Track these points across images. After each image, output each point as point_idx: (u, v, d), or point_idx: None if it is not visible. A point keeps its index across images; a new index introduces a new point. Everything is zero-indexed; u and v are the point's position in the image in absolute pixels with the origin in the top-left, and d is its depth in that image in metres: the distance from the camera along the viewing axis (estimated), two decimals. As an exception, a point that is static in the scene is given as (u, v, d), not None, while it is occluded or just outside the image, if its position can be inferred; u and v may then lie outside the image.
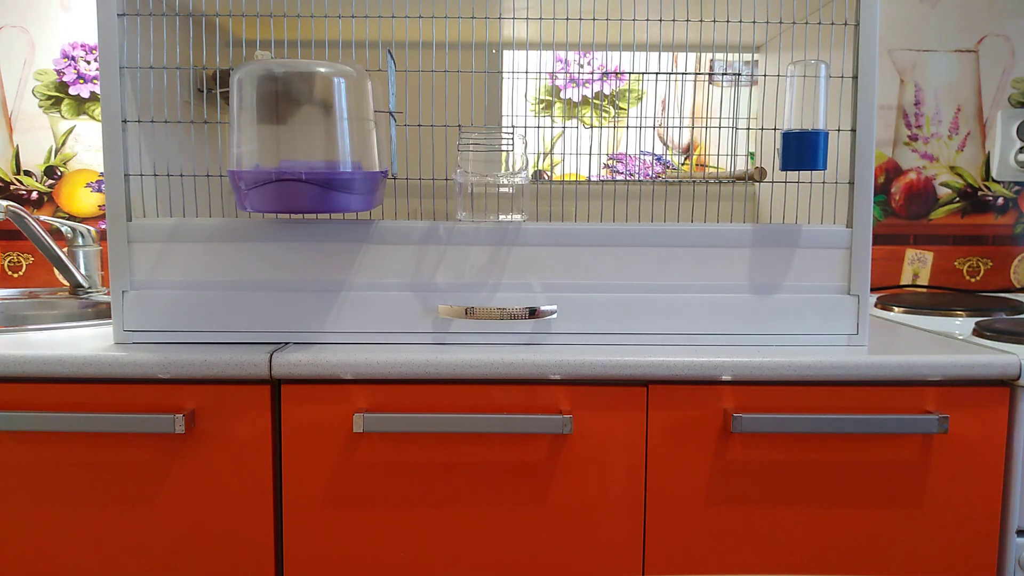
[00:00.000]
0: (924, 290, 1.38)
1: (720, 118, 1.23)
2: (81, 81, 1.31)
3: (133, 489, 0.81)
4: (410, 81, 0.99)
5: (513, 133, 0.87)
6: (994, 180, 1.37)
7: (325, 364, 0.78)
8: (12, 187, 1.33)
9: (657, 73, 0.90)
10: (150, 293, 0.84)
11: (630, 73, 1.31)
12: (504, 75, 1.14)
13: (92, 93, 1.31)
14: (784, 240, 0.85)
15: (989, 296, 1.28)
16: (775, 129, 0.94)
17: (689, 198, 1.11)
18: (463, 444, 0.81)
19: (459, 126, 0.88)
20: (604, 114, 1.34)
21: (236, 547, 0.82)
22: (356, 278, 0.85)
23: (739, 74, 1.22)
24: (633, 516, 0.82)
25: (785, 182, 0.98)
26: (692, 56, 1.26)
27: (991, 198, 1.38)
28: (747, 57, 1.21)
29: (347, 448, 0.80)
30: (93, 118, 1.32)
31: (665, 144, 1.35)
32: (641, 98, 1.34)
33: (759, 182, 1.12)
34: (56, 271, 1.23)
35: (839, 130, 0.87)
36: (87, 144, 1.32)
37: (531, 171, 0.92)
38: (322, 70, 0.77)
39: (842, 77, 0.86)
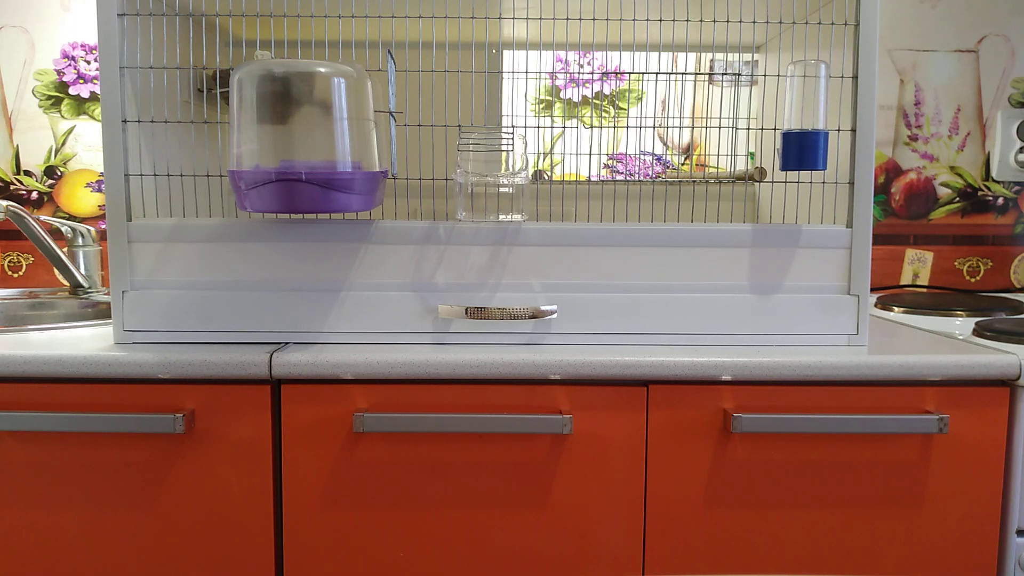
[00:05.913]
0: (924, 290, 1.38)
1: (720, 118, 1.23)
2: (81, 81, 1.31)
3: (133, 489, 0.81)
4: (410, 81, 0.99)
5: (513, 133, 0.86)
6: (994, 180, 1.37)
7: (325, 364, 0.78)
8: (12, 187, 1.33)
9: (657, 73, 0.90)
10: (150, 293, 0.84)
11: (630, 73, 1.31)
12: (504, 75, 1.14)
13: (92, 93, 1.31)
14: (784, 240, 0.85)
15: (989, 296, 1.28)
16: (775, 129, 0.95)
17: (689, 198, 1.11)
18: (463, 444, 0.81)
19: (459, 126, 0.88)
20: (604, 114, 1.34)
21: (236, 547, 0.82)
22: (356, 278, 0.85)
23: (739, 74, 1.22)
24: (633, 516, 0.82)
25: (785, 182, 0.98)
26: (692, 56, 1.26)
27: (991, 198, 1.38)
28: (747, 57, 1.21)
29: (347, 448, 0.80)
30: (93, 118, 1.32)
31: (665, 144, 1.35)
32: (641, 98, 1.34)
33: (759, 182, 1.12)
34: (56, 271, 1.23)
35: (839, 130, 0.87)
36: (87, 144, 1.32)
37: (531, 171, 0.92)
38: (322, 70, 0.77)
39: (842, 77, 0.86)
